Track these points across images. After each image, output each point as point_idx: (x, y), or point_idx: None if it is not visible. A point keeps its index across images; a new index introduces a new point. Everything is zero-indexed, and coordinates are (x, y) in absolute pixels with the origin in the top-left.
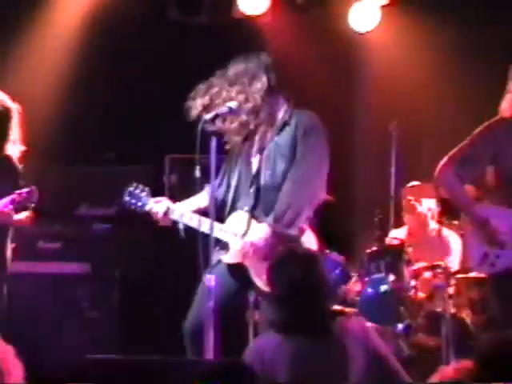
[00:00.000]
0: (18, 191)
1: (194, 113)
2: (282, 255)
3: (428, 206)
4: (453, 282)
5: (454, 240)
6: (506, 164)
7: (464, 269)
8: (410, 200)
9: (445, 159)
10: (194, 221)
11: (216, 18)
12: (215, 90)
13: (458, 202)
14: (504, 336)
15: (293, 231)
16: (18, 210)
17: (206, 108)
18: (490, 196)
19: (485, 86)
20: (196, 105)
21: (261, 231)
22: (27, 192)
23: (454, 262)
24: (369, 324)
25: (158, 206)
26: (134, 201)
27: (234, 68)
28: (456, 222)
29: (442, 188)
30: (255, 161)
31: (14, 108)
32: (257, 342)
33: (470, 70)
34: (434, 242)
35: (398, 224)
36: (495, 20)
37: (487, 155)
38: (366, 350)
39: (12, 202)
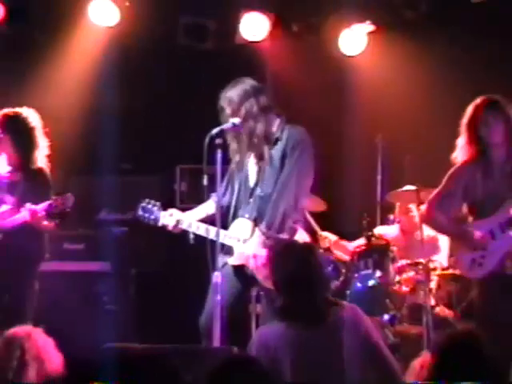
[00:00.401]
0: (54, 197)
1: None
2: (281, 248)
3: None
4: (435, 277)
5: (442, 240)
6: (471, 195)
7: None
8: (407, 203)
9: (426, 205)
10: (201, 229)
11: (220, 44)
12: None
13: (447, 234)
14: (460, 330)
15: (284, 235)
16: (53, 215)
17: None
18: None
19: (462, 103)
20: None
21: (255, 239)
22: (63, 198)
23: (443, 259)
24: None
25: (168, 219)
26: (147, 215)
27: (228, 93)
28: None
29: (431, 226)
30: (253, 173)
31: (39, 124)
32: (262, 331)
33: (449, 88)
34: (423, 241)
35: (383, 225)
36: (474, 44)
37: (458, 188)
38: (360, 336)
39: (49, 207)
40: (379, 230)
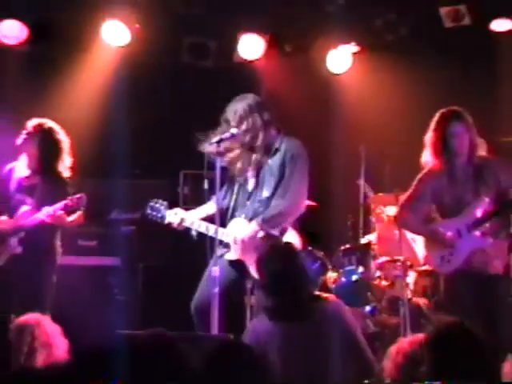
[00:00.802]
0: (70, 197)
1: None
2: (266, 251)
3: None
4: (412, 273)
5: (417, 240)
6: (439, 197)
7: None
8: (379, 211)
9: (398, 208)
10: (202, 227)
11: (220, 62)
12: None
13: (418, 233)
14: (451, 320)
15: (275, 231)
16: (68, 214)
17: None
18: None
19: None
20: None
21: (250, 227)
22: (78, 198)
23: (419, 258)
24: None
25: (173, 217)
26: (154, 213)
27: (233, 107)
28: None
29: (405, 228)
30: (252, 178)
31: (65, 139)
32: (253, 326)
33: (425, 103)
34: (400, 242)
35: (365, 225)
36: (447, 64)
37: (427, 191)
38: (341, 329)
39: (65, 206)
40: (364, 240)
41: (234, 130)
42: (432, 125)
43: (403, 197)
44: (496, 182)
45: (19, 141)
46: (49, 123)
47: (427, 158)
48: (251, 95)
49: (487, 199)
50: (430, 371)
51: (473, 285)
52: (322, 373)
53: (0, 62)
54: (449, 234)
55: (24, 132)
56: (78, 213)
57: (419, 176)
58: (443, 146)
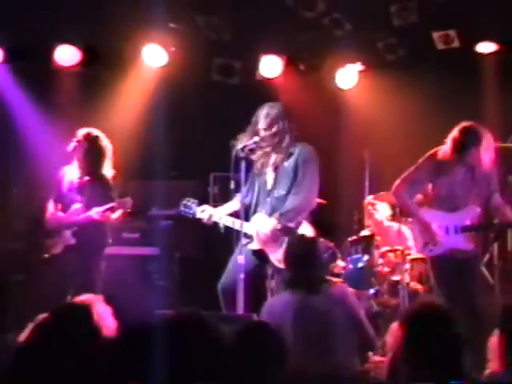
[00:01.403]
0: (117, 200)
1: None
2: (292, 238)
3: (383, 211)
4: (409, 260)
5: (408, 232)
6: (437, 187)
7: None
8: (370, 209)
9: (399, 180)
10: (229, 221)
11: (244, 80)
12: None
13: (408, 211)
14: (426, 300)
15: (292, 224)
16: (114, 212)
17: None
18: (430, 202)
19: (431, 126)
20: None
21: (270, 222)
22: (123, 202)
23: (412, 248)
24: (350, 289)
25: (203, 213)
26: (187, 210)
27: (265, 111)
28: (410, 219)
29: (397, 200)
30: (270, 179)
31: (109, 145)
32: (269, 301)
33: (422, 115)
34: (392, 235)
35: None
36: (439, 80)
37: (426, 179)
38: (344, 308)
39: (112, 208)
40: (365, 232)
41: (256, 138)
42: (457, 134)
43: (406, 172)
44: (488, 188)
45: (70, 147)
46: (95, 132)
47: (443, 149)
48: (279, 104)
49: (479, 209)
50: (404, 346)
51: (453, 267)
52: (328, 346)
53: (57, 81)
54: (437, 231)
55: (74, 140)
56: (120, 211)
57: (426, 160)
58: (460, 150)
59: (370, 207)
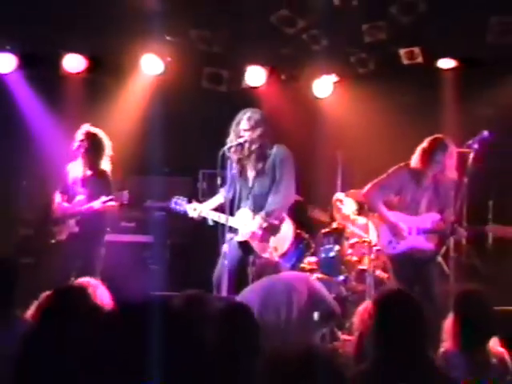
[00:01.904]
0: (115, 193)
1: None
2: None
3: (349, 207)
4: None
5: (372, 227)
6: (403, 194)
7: None
8: (338, 205)
9: (370, 185)
10: (215, 216)
11: (232, 88)
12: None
13: (376, 212)
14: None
15: (276, 221)
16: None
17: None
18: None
19: (396, 133)
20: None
21: (257, 221)
22: (121, 195)
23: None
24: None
25: (193, 212)
26: (177, 207)
27: (247, 115)
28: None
29: (367, 202)
30: (251, 177)
31: (108, 141)
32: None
33: (388, 123)
34: (357, 228)
35: None
36: (406, 92)
37: (396, 186)
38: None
39: (111, 199)
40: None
41: (241, 140)
42: (425, 144)
43: (378, 178)
44: (446, 198)
45: (74, 147)
46: (95, 130)
47: (414, 160)
48: (260, 110)
49: (439, 216)
50: (375, 328)
51: (412, 264)
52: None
53: (64, 86)
54: (404, 230)
55: (77, 139)
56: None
57: (397, 169)
58: (429, 162)
59: (338, 203)
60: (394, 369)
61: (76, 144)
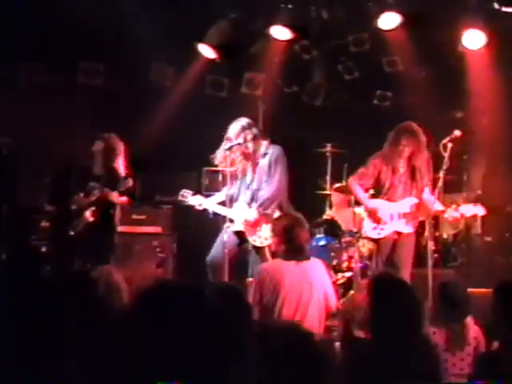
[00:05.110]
0: (122, 180)
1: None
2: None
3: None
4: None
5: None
6: (382, 180)
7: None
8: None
9: (354, 174)
10: (216, 208)
11: (232, 93)
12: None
13: (359, 199)
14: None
15: (269, 212)
16: (122, 194)
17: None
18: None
19: None
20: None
21: (252, 211)
22: (127, 181)
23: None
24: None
25: (196, 202)
26: (184, 199)
27: (232, 126)
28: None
29: (351, 190)
30: (249, 174)
31: (121, 145)
32: (264, 264)
33: None
34: (347, 217)
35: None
36: None
37: (373, 173)
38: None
39: (122, 193)
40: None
41: (239, 140)
42: (393, 133)
43: (360, 168)
44: (421, 181)
45: (93, 147)
46: (110, 134)
47: (385, 149)
48: (244, 118)
49: (417, 200)
50: (370, 309)
51: (392, 246)
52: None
53: (82, 95)
54: (383, 217)
55: (95, 141)
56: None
57: (374, 155)
58: (396, 145)
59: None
60: (393, 350)
61: (94, 145)
